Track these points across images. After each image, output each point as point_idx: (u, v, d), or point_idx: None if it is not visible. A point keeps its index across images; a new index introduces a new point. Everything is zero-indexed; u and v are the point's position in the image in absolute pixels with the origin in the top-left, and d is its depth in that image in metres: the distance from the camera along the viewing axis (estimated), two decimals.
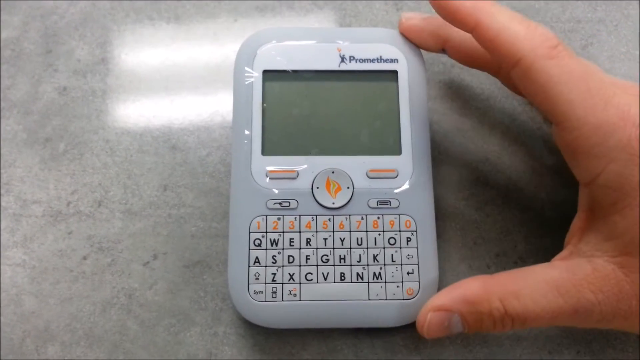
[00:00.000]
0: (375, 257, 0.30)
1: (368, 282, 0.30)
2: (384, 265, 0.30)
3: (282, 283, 0.30)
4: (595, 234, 0.27)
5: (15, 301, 0.33)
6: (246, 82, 0.33)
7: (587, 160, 0.26)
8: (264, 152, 0.32)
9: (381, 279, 0.30)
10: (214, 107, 0.37)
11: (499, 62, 0.29)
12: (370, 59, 0.33)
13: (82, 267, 0.34)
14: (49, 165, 0.36)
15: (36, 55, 0.38)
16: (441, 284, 0.31)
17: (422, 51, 0.34)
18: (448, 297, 0.28)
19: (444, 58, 0.38)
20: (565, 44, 0.27)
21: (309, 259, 0.30)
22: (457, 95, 0.38)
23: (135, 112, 0.37)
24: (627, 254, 0.26)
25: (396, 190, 0.31)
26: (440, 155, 0.36)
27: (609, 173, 0.26)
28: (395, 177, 0.31)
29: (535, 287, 0.26)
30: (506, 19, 0.27)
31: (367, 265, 0.30)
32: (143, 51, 0.39)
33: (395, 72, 0.33)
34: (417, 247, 0.30)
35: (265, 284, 0.30)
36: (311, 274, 0.30)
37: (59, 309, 0.33)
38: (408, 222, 0.31)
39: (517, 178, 0.35)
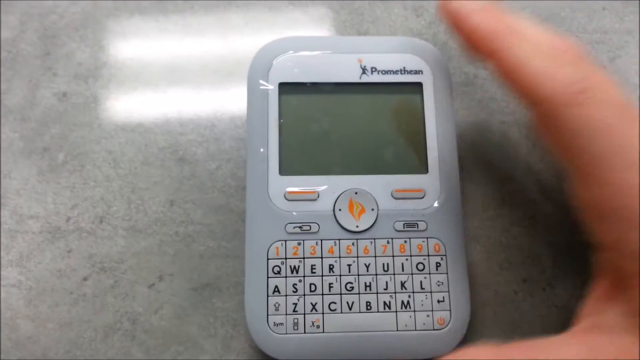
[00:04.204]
0: (403, 284, 0.28)
1: (396, 312, 0.28)
2: (413, 292, 0.28)
3: (304, 314, 0.28)
4: (620, 306, 0.24)
5: (10, 325, 0.31)
6: (261, 96, 0.30)
7: (613, 223, 0.23)
8: (282, 171, 0.29)
9: (410, 307, 0.28)
10: (223, 116, 0.35)
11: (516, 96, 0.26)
12: (393, 71, 0.31)
13: (82, 288, 0.31)
14: (47, 177, 0.33)
15: (34, 58, 0.36)
16: None
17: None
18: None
19: (466, 68, 0.36)
20: (595, 88, 0.23)
21: (332, 286, 0.28)
22: (480, 108, 0.36)
23: (140, 121, 0.35)
24: None
25: (423, 212, 0.29)
26: (463, 173, 0.34)
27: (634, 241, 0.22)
28: (422, 197, 0.30)
29: None
30: (528, 51, 0.24)
31: (395, 292, 0.28)
32: (148, 55, 0.36)
33: (420, 85, 0.31)
34: (447, 273, 0.29)
35: (286, 314, 0.28)
36: (335, 303, 0.28)
37: (58, 335, 0.31)
38: (437, 246, 0.29)
39: (545, 198, 0.34)
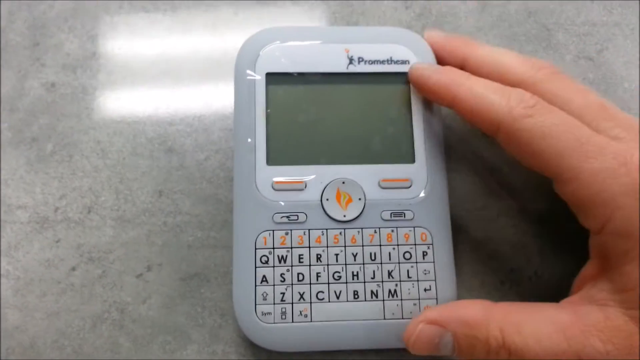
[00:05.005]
0: (390, 273, 0.28)
1: (383, 300, 0.28)
2: (400, 281, 0.28)
3: (292, 303, 0.28)
4: (608, 283, 0.25)
5: None
6: (248, 86, 0.30)
7: (593, 209, 0.25)
8: (269, 161, 0.29)
9: (397, 296, 0.28)
10: (212, 107, 0.35)
11: (483, 131, 0.29)
12: (380, 61, 0.31)
13: (70, 278, 0.31)
14: (36, 167, 0.33)
15: (22, 48, 0.36)
16: None
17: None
18: (444, 313, 0.26)
19: None
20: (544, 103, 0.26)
21: (319, 276, 0.28)
22: None
23: (129, 111, 0.35)
24: None
25: (410, 201, 0.29)
26: (451, 163, 0.34)
27: (617, 220, 0.24)
28: (409, 187, 0.30)
29: (540, 326, 0.25)
30: (481, 90, 0.27)
31: (382, 281, 0.28)
32: (137, 45, 0.36)
33: (406, 75, 0.31)
34: (433, 262, 0.29)
35: (274, 304, 0.28)
36: (322, 292, 0.28)
37: (46, 324, 0.31)
38: (424, 235, 0.29)
39: (532, 188, 0.34)
